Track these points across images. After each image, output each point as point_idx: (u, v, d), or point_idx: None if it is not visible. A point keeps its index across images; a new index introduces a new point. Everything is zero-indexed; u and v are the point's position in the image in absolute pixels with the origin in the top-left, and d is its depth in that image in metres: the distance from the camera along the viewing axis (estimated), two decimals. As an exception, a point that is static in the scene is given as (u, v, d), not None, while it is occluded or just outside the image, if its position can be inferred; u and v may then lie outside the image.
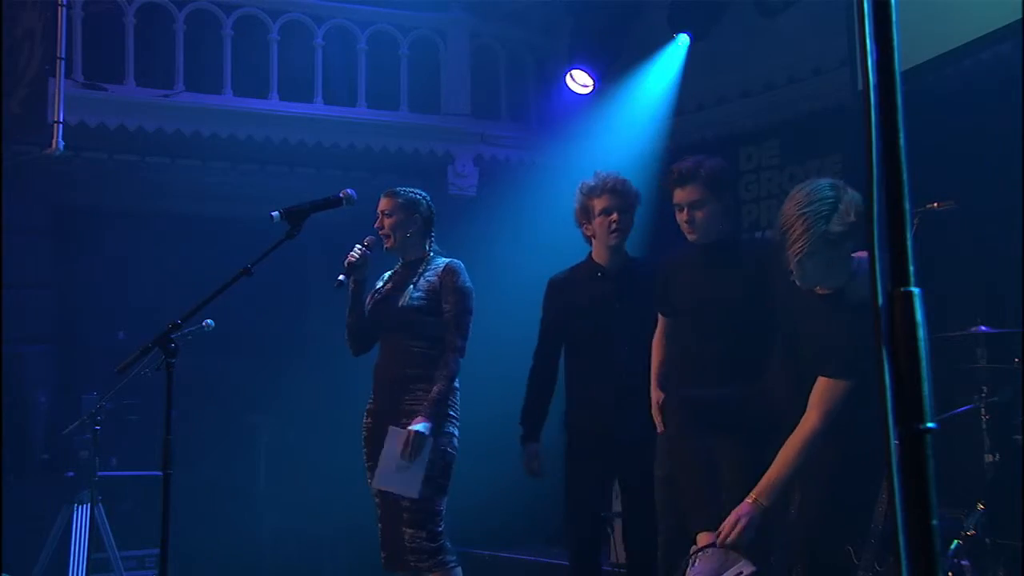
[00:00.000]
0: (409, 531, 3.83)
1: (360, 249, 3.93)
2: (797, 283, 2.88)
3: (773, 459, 2.96)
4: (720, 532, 2.92)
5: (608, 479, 4.08)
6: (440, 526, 3.86)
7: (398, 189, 4.11)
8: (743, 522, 2.89)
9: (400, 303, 3.96)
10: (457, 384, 3.98)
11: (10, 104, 6.23)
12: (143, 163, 7.18)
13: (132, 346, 3.06)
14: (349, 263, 3.92)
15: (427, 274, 3.99)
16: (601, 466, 3.90)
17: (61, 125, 6.08)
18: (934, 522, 1.08)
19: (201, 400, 6.14)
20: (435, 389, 3.83)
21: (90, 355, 6.93)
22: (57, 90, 6.09)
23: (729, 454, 3.26)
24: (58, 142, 6.05)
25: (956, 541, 3.40)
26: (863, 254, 2.94)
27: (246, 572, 6.40)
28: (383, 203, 4.07)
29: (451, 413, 3.94)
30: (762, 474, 2.96)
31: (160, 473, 2.88)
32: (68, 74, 6.31)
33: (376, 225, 4.06)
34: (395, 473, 3.77)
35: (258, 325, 7.13)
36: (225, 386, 7.00)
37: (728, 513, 2.97)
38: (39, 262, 7.01)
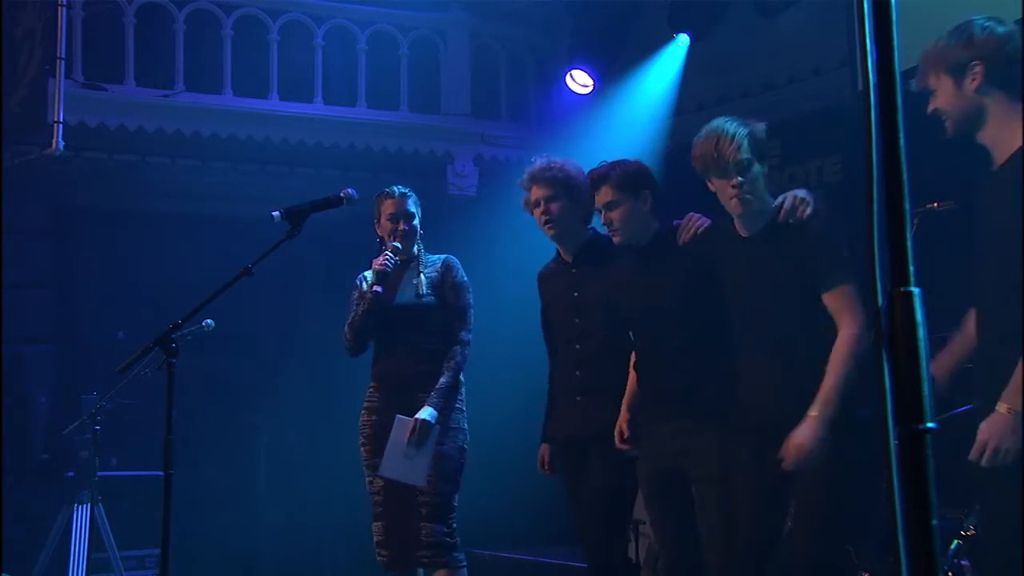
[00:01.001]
0: (428, 525, 3.83)
1: (390, 257, 3.96)
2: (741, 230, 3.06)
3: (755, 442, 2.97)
4: None
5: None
6: (455, 521, 3.90)
7: (407, 190, 4.11)
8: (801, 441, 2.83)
9: (408, 301, 3.98)
10: (463, 379, 4.01)
11: (10, 104, 6.23)
12: (143, 163, 7.18)
13: (132, 346, 3.06)
14: (382, 272, 3.94)
15: (427, 271, 4.03)
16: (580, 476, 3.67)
17: (61, 125, 6.08)
18: (934, 522, 1.08)
19: (201, 400, 6.14)
20: (442, 380, 3.87)
21: (90, 355, 6.93)
22: (57, 90, 6.09)
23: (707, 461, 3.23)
24: (58, 142, 6.05)
25: (956, 541, 3.39)
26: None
27: (246, 571, 6.40)
28: (401, 204, 4.06)
29: (460, 408, 3.98)
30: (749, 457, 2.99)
31: (160, 473, 2.89)
32: (68, 74, 6.31)
33: (401, 227, 4.04)
34: (401, 461, 3.76)
35: (258, 325, 7.13)
36: (225, 386, 6.99)
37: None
38: (39, 262, 7.01)
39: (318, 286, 7.90)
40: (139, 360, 3.03)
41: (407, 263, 4.07)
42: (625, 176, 3.36)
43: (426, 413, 3.81)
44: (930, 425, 1.10)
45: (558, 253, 3.81)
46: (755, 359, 3.03)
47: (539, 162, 3.73)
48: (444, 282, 4.01)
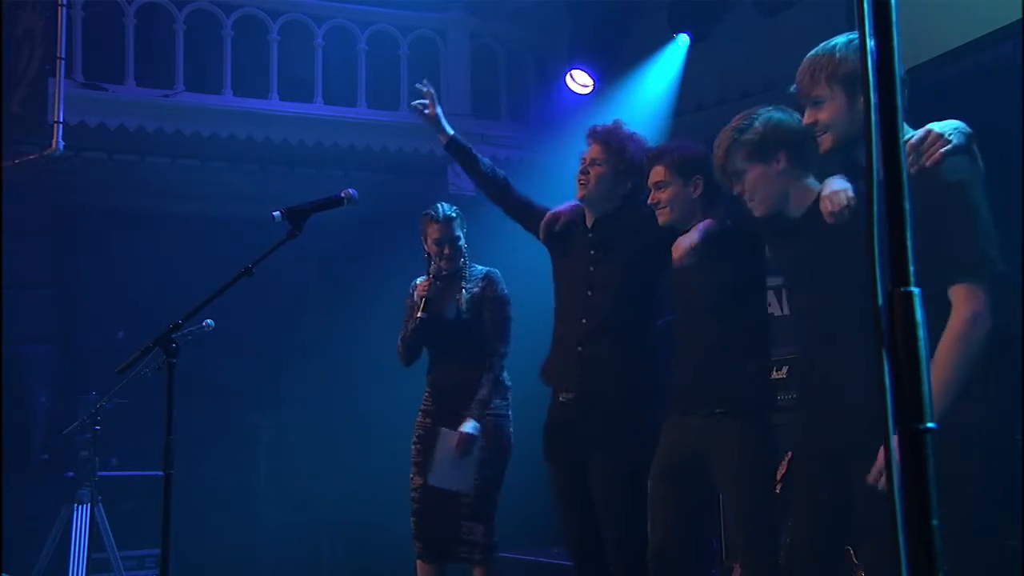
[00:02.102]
0: (468, 524, 4.08)
1: (430, 283, 4.27)
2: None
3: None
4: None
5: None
6: (495, 521, 4.11)
7: (453, 213, 4.29)
8: None
9: (450, 317, 4.24)
10: (509, 383, 4.24)
11: (10, 104, 6.23)
12: (143, 163, 7.18)
13: (132, 346, 3.06)
14: (426, 299, 4.20)
15: (468, 286, 4.27)
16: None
17: (61, 125, 6.08)
18: (934, 522, 1.08)
19: (201, 400, 6.13)
20: (481, 392, 4.12)
21: (90, 355, 6.93)
22: (57, 90, 6.09)
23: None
24: (58, 142, 6.04)
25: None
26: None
27: (246, 571, 6.40)
28: (446, 229, 4.27)
29: (505, 413, 4.21)
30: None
31: (160, 473, 2.89)
32: (68, 74, 6.31)
33: (446, 251, 4.26)
34: (449, 471, 4.05)
35: (258, 325, 7.12)
36: (225, 386, 6.99)
37: None
38: (39, 262, 7.01)
39: (319, 286, 7.90)
40: (139, 360, 3.03)
41: (451, 279, 4.30)
42: (680, 159, 3.38)
43: (468, 426, 4.06)
44: (930, 425, 1.10)
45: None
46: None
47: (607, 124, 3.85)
48: (484, 296, 4.24)
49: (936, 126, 2.42)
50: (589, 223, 3.73)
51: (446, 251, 4.25)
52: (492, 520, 4.11)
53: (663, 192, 3.36)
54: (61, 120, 6.09)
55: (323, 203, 3.24)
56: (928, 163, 2.37)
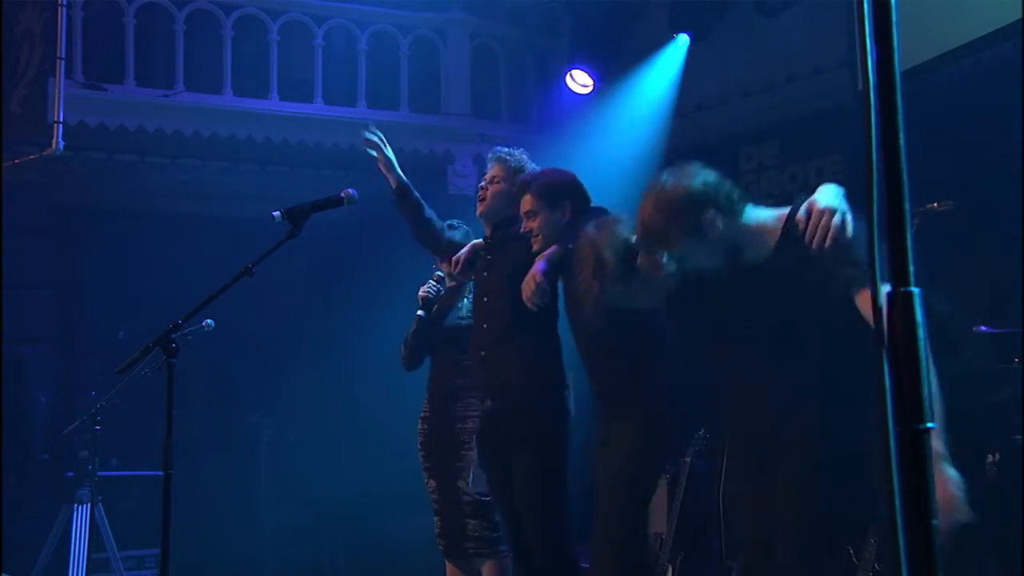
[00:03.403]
0: (472, 521, 4.20)
1: (433, 285, 4.33)
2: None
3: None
4: None
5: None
6: (499, 517, 4.12)
7: (463, 226, 4.31)
8: None
9: (450, 323, 4.34)
10: None
11: (10, 104, 6.23)
12: (143, 163, 7.18)
13: (132, 346, 3.06)
14: (425, 298, 4.31)
15: (471, 294, 4.30)
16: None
17: (61, 125, 6.08)
18: (934, 522, 1.08)
19: (201, 400, 6.14)
20: None
21: (90, 355, 6.93)
22: (57, 90, 6.09)
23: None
24: (58, 142, 6.04)
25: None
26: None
27: (246, 571, 6.39)
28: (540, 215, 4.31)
29: None
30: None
31: (160, 473, 2.88)
32: (68, 74, 6.31)
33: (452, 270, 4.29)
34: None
35: (258, 325, 7.12)
36: (225, 386, 7.00)
37: None
38: (39, 262, 7.01)
39: (319, 286, 7.90)
40: (139, 360, 3.03)
41: (458, 286, 4.37)
42: (545, 186, 3.50)
43: None
44: (930, 425, 1.10)
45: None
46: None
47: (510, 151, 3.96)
48: None
49: (820, 199, 2.46)
50: (487, 235, 3.92)
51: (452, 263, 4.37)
52: (493, 516, 4.18)
53: (533, 221, 3.46)
54: (61, 120, 6.09)
55: (323, 203, 3.23)
56: (827, 244, 2.41)
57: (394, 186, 3.95)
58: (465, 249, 4.06)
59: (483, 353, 3.71)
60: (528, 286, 3.22)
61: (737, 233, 2.55)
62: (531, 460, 3.55)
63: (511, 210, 3.75)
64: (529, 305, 3.23)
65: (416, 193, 3.99)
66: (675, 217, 2.51)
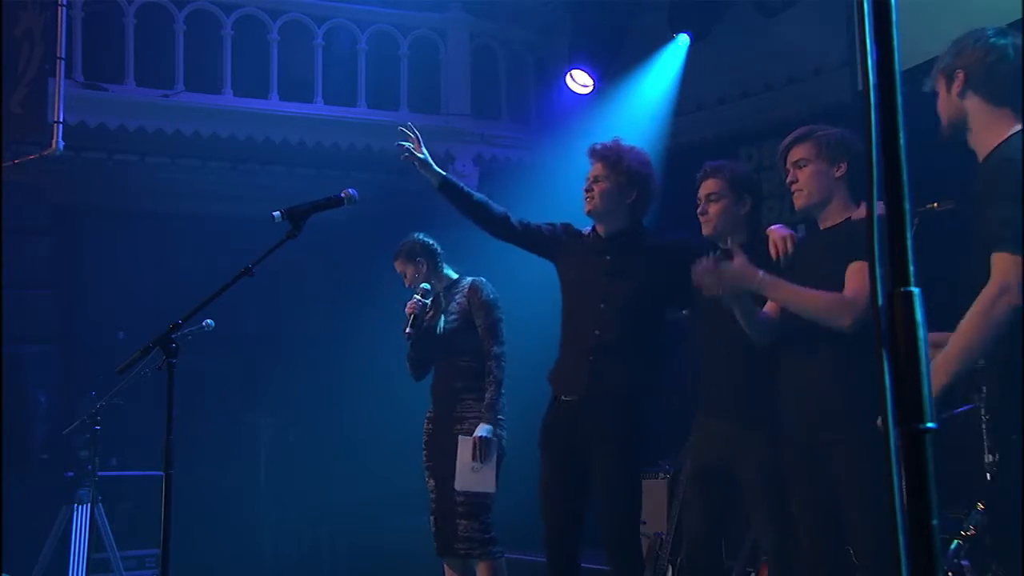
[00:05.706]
0: (463, 522, 4.26)
1: (418, 300, 4.40)
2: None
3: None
4: None
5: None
6: (490, 517, 4.28)
7: (401, 245, 4.54)
8: None
9: (440, 329, 4.45)
10: (502, 390, 4.34)
11: (10, 104, 6.23)
12: (143, 163, 7.18)
13: (132, 346, 3.06)
14: (412, 315, 4.38)
15: (456, 297, 4.47)
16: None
17: (61, 125, 6.07)
18: (934, 522, 1.08)
19: (201, 400, 6.14)
20: (487, 396, 4.27)
21: (90, 355, 6.93)
22: (57, 90, 6.08)
23: None
24: (58, 142, 6.04)
25: (956, 541, 3.39)
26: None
27: (246, 571, 6.40)
28: (401, 266, 4.56)
29: (499, 417, 4.30)
30: None
31: (160, 473, 2.88)
32: (68, 74, 6.30)
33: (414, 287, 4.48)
34: (470, 475, 4.21)
35: (259, 325, 7.13)
36: (225, 386, 7.00)
37: None
38: (39, 262, 7.01)
39: (319, 286, 7.90)
40: (139, 360, 3.02)
41: (445, 292, 4.52)
42: (734, 176, 3.48)
43: (483, 431, 4.21)
44: (930, 425, 1.10)
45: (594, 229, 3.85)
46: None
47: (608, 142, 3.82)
48: (471, 305, 4.40)
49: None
50: (603, 234, 3.78)
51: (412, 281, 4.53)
52: (485, 518, 4.26)
53: (715, 205, 3.43)
54: (61, 120, 6.08)
55: (323, 203, 3.23)
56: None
57: (436, 184, 3.83)
58: (407, 307, 4.32)
59: (592, 359, 3.61)
60: (783, 242, 3.27)
61: None
62: (617, 456, 3.57)
63: (625, 205, 3.70)
64: (776, 256, 3.27)
65: (460, 183, 3.90)
66: None
